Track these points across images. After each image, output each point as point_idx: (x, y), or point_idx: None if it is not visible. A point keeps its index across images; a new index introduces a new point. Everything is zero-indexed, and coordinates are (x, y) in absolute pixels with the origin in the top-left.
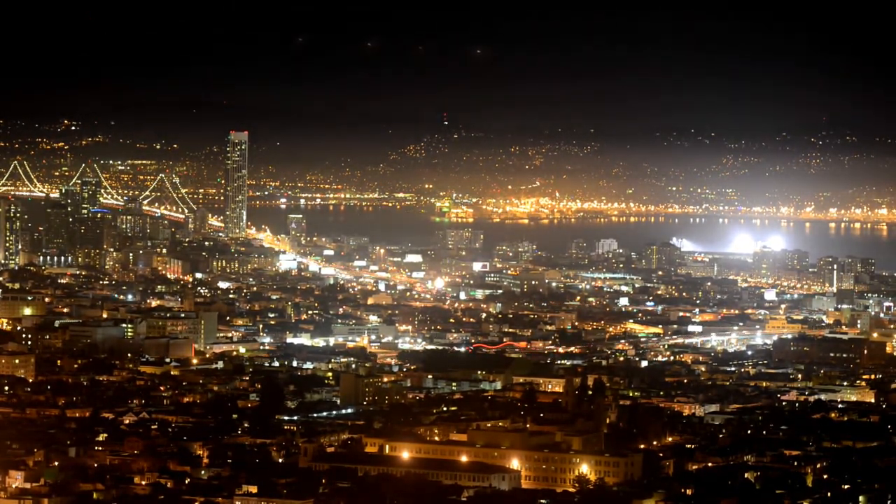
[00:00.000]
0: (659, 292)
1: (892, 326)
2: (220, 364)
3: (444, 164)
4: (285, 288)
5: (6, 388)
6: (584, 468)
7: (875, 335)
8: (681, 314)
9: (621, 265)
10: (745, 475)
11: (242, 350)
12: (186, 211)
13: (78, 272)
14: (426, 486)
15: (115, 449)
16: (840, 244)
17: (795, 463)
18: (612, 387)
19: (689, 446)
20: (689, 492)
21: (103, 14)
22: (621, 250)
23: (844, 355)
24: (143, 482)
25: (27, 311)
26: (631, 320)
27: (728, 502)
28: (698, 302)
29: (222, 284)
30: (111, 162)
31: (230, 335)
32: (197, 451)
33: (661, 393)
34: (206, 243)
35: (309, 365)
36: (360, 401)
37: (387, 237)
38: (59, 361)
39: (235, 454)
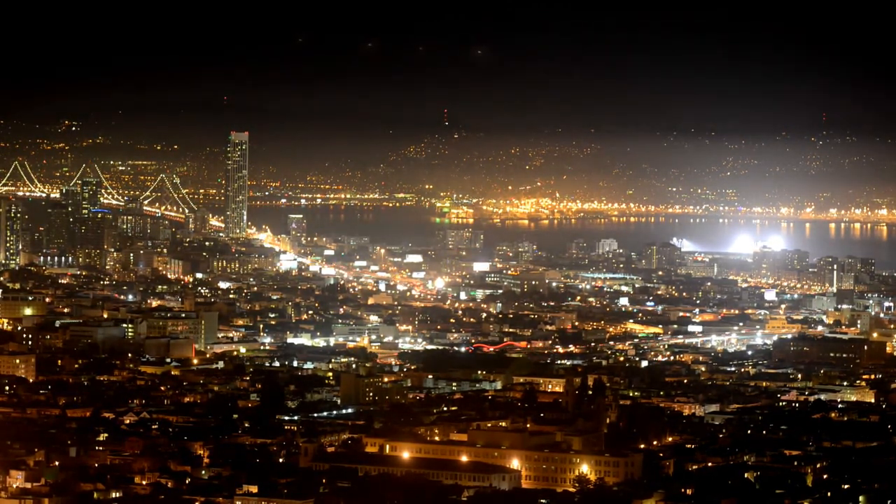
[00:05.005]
0: (659, 292)
1: (892, 326)
2: (221, 364)
3: (444, 165)
4: (285, 288)
5: (6, 388)
6: (584, 468)
7: (875, 335)
8: (681, 314)
9: (621, 265)
10: (745, 475)
11: (243, 350)
12: (187, 211)
13: (78, 272)
14: (426, 486)
15: (115, 449)
16: (840, 244)
17: (795, 463)
18: (612, 387)
19: (689, 446)
20: (689, 492)
21: (103, 14)
22: (621, 250)
23: (844, 355)
24: (144, 482)
25: (28, 311)
26: (631, 320)
27: (728, 502)
28: (698, 302)
29: (223, 284)
30: (112, 162)
31: (230, 335)
32: (197, 451)
33: (661, 393)
34: (207, 243)
35: (309, 365)
36: (361, 401)
37: (387, 237)
38: (59, 361)
39: (235, 454)
